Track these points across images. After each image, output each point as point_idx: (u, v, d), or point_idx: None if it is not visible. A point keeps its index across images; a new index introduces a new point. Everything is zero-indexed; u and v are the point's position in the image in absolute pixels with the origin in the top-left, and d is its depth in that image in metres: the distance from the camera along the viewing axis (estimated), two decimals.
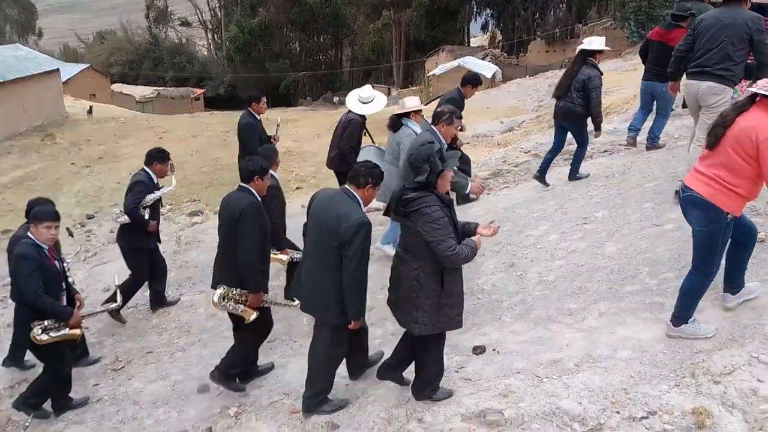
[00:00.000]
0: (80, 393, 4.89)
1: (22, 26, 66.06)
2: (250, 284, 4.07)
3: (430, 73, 39.37)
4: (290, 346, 4.96)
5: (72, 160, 14.31)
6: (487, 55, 43.54)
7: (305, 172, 11.49)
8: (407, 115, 5.43)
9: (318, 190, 3.98)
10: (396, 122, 5.45)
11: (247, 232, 3.99)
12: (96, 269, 7.24)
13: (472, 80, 6.57)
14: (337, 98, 46.65)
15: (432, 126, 5.08)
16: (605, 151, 7.73)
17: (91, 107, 24.53)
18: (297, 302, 3.97)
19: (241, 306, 4.12)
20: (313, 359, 3.84)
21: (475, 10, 56.95)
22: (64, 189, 11.31)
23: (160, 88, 46.41)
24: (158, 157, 5.62)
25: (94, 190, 11.34)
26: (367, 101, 6.26)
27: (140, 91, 44.29)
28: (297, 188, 10.86)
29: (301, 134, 16.78)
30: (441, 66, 38.62)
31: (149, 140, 16.99)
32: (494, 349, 3.95)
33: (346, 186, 3.67)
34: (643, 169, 6.27)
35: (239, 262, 4.03)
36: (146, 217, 5.53)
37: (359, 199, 3.59)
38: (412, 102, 5.54)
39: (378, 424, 3.50)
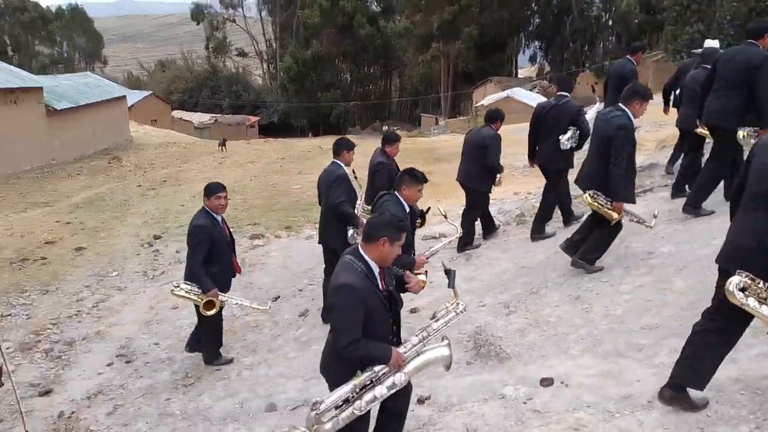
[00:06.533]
0: (153, 407, 5.10)
1: (90, 55, 69.69)
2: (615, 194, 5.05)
3: (478, 104, 39.60)
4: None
5: (138, 183, 14.93)
6: (535, 87, 43.53)
7: None
8: None
9: None
10: None
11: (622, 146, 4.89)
12: (165, 287, 7.55)
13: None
14: (386, 127, 47.26)
15: None
16: (666, 185, 7.63)
17: (224, 140, 23.62)
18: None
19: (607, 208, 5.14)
20: None
21: (523, 42, 57.34)
22: (132, 210, 11.78)
23: (218, 114, 48.24)
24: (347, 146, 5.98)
25: (159, 212, 11.72)
26: None
27: (198, 117, 46.19)
28: None
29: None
30: (489, 97, 38.82)
31: (209, 165, 17.66)
32: (562, 382, 3.94)
33: None
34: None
35: (612, 175, 4.96)
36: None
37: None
38: None
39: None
